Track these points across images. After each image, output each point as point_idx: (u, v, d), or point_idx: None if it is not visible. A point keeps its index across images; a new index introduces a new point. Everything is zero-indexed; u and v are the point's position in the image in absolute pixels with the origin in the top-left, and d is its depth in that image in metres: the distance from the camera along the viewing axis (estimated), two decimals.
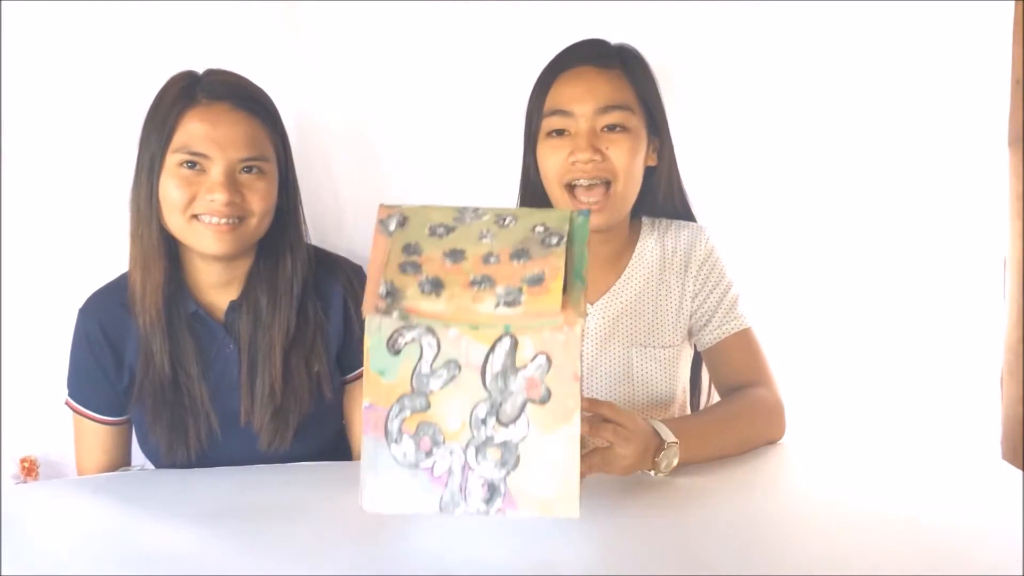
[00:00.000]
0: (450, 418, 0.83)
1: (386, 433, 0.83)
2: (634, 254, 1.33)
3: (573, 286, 0.84)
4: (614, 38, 1.31)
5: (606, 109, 1.23)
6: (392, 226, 0.89)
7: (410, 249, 0.86)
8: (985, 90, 1.46)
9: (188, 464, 1.22)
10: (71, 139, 1.43)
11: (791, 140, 1.49)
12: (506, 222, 0.89)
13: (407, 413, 0.83)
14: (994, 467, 1.12)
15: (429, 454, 0.83)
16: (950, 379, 1.48)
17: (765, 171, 1.50)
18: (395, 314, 0.82)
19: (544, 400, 0.82)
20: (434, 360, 0.83)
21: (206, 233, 1.17)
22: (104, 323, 1.24)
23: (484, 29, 1.49)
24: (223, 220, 1.16)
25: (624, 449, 0.98)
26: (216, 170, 1.16)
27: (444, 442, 0.83)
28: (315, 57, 1.50)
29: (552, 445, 0.82)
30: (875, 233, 1.49)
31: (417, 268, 0.84)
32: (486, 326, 0.82)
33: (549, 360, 0.82)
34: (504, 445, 0.82)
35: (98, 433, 1.28)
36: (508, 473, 0.82)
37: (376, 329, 0.83)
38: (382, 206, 0.91)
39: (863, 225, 1.49)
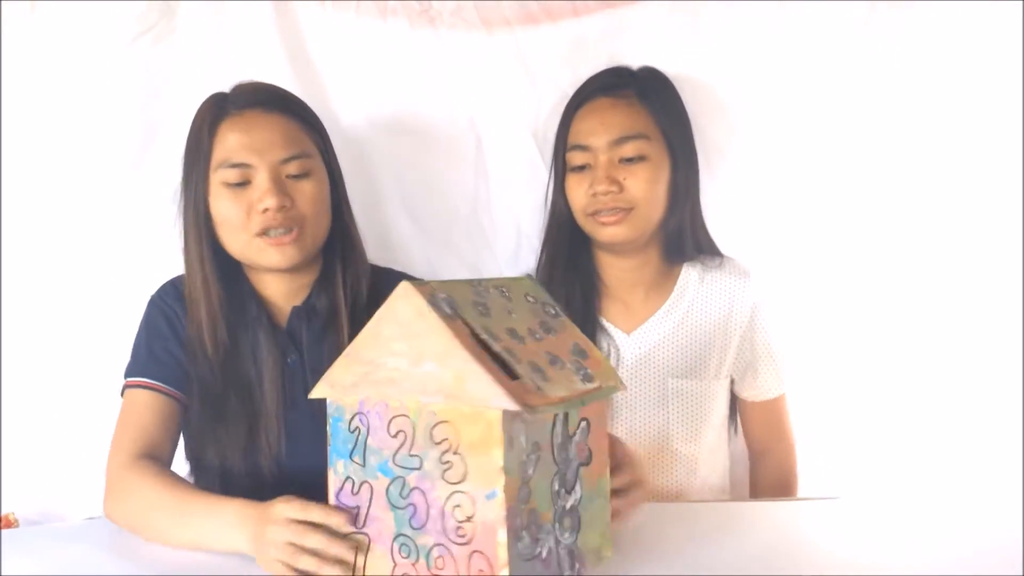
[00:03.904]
0: (542, 500, 0.82)
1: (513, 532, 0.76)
2: (675, 290, 1.33)
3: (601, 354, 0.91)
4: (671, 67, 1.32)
5: (621, 140, 1.26)
6: (446, 308, 0.79)
7: (491, 335, 0.79)
8: (1010, 100, 1.42)
9: (258, 475, 1.16)
10: (80, 156, 1.38)
11: (822, 157, 1.45)
12: (506, 294, 0.89)
13: (522, 506, 0.78)
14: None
15: (537, 541, 0.80)
16: (973, 391, 1.46)
17: (803, 191, 1.46)
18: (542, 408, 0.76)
19: (588, 461, 0.89)
20: (526, 444, 0.80)
21: (269, 249, 1.17)
22: (168, 315, 1.21)
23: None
24: (282, 231, 1.15)
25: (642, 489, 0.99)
26: (261, 177, 1.16)
27: (542, 523, 0.81)
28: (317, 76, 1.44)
29: (595, 500, 0.89)
30: (893, 247, 1.47)
31: (514, 356, 0.78)
32: (573, 404, 0.83)
33: (588, 424, 0.88)
34: (571, 511, 0.85)
35: (148, 404, 1.16)
36: (576, 537, 0.86)
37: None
38: (407, 284, 0.79)
39: (882, 240, 1.47)
